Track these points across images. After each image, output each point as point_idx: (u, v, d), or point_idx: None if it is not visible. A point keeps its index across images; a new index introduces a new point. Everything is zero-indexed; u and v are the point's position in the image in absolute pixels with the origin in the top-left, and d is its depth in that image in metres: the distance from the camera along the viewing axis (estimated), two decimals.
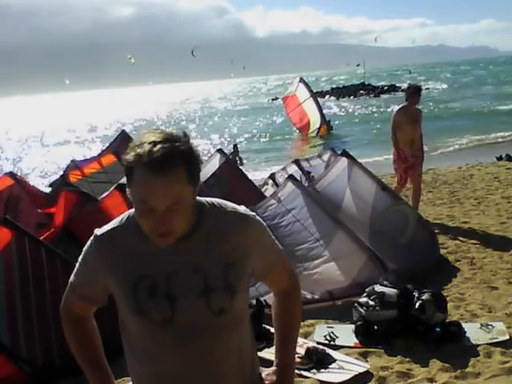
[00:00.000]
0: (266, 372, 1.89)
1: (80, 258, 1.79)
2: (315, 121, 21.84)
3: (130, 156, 1.52)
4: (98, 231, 1.74)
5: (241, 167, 18.23)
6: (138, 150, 1.50)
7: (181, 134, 1.57)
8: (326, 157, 7.97)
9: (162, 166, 1.48)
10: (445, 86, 58.02)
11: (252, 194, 7.16)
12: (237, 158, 18.54)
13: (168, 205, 1.52)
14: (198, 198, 1.66)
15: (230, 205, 1.75)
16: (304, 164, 8.10)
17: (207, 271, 1.64)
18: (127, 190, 1.58)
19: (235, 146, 19.49)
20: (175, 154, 1.50)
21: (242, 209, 1.76)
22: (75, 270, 1.82)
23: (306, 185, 7.01)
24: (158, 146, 1.49)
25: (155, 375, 1.72)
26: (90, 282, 1.78)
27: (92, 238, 1.75)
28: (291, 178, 6.24)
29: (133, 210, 1.66)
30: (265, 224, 1.82)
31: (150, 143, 1.50)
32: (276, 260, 1.84)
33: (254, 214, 1.77)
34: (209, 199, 1.73)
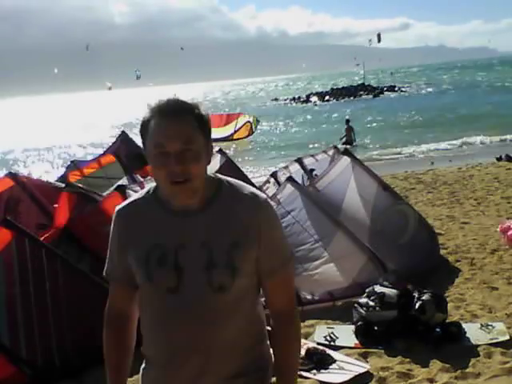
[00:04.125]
0: None
1: (109, 244, 1.85)
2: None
3: (146, 113, 1.66)
4: (117, 206, 1.83)
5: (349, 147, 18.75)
6: (154, 105, 1.66)
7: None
8: (331, 152, 7.99)
9: (174, 112, 1.63)
10: (430, 89, 57.38)
11: None
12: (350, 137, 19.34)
13: (181, 144, 1.60)
14: (218, 175, 1.77)
15: (249, 187, 1.79)
16: (310, 160, 8.08)
17: (214, 247, 1.67)
18: (144, 149, 1.70)
19: (347, 121, 20.01)
20: (186, 106, 1.65)
21: (260, 194, 1.78)
22: (107, 258, 1.86)
23: (308, 183, 7.03)
24: (171, 100, 1.66)
25: (157, 341, 1.75)
26: (119, 263, 1.81)
27: (113, 215, 1.82)
28: (290, 179, 6.24)
29: (154, 184, 1.76)
30: (277, 216, 1.81)
31: (164, 100, 1.66)
32: (281, 263, 1.78)
33: (270, 202, 1.78)
34: (230, 179, 1.79)
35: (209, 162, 1.71)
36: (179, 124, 1.62)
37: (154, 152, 1.63)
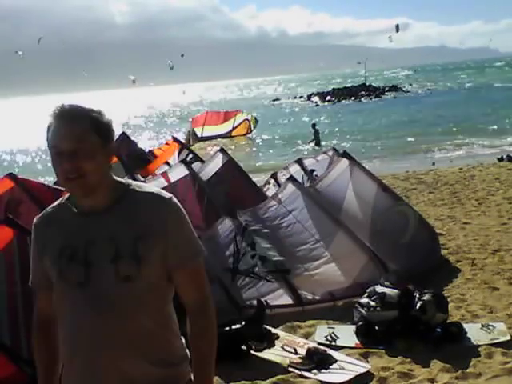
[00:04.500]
0: None
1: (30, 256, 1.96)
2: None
3: (48, 119, 1.77)
4: (35, 218, 1.95)
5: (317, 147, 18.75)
6: (52, 111, 1.77)
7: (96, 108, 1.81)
8: (330, 153, 8.02)
9: (68, 116, 1.74)
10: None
11: (253, 193, 7.17)
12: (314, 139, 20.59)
13: (72, 144, 1.71)
14: (123, 179, 1.89)
15: (154, 187, 1.92)
16: (310, 160, 8.11)
17: (120, 241, 1.78)
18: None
19: (314, 125, 21.39)
20: (81, 110, 1.76)
21: (166, 193, 1.88)
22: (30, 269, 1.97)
23: (308, 185, 7.03)
24: (67, 105, 1.78)
25: (70, 337, 1.82)
26: (39, 270, 1.91)
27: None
28: (292, 179, 6.25)
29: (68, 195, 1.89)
30: (185, 213, 1.88)
31: (60, 105, 1.78)
32: (191, 257, 1.86)
33: (174, 199, 1.87)
34: (136, 182, 1.94)
35: (110, 166, 1.83)
36: (71, 125, 1.73)
37: (52, 153, 1.76)
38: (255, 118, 24.70)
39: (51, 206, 1.94)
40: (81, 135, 1.72)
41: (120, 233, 1.78)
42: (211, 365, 1.88)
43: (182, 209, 1.87)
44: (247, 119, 24.36)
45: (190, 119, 25.27)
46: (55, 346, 1.94)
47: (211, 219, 5.97)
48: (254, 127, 24.62)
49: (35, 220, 1.93)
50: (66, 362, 1.87)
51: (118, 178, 1.88)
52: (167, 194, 1.87)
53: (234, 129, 23.77)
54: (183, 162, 6.93)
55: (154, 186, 1.95)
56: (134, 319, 1.78)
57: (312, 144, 20.99)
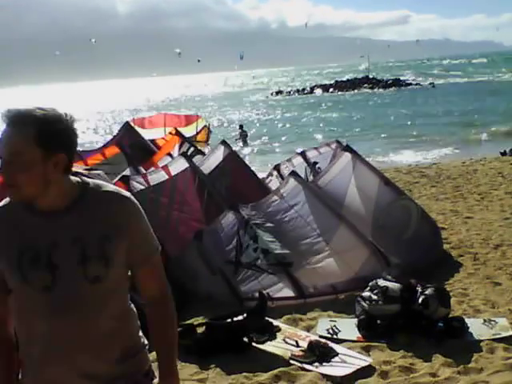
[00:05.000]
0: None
1: None
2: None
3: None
4: None
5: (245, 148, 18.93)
6: (1, 112, 1.71)
7: (57, 112, 1.72)
8: (334, 145, 7.99)
9: (12, 122, 1.67)
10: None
11: (255, 186, 7.15)
12: (241, 138, 21.63)
13: (7, 155, 1.68)
14: (84, 178, 1.85)
15: (112, 186, 1.90)
16: (313, 152, 8.08)
17: (85, 242, 1.75)
18: None
19: (241, 126, 22.64)
20: (27, 118, 1.67)
21: (125, 192, 1.89)
22: None
23: (311, 177, 7.01)
24: (13, 110, 1.70)
25: (33, 341, 1.79)
26: None
27: None
28: (293, 174, 6.24)
29: None
30: (142, 210, 1.88)
31: (7, 109, 1.70)
32: (151, 252, 1.89)
33: (132, 197, 1.87)
34: (94, 180, 1.87)
35: (66, 171, 1.75)
36: (12, 133, 1.67)
37: None
38: (209, 128, 24.44)
39: (2, 203, 1.84)
40: (17, 147, 1.66)
41: (84, 233, 1.75)
42: (176, 349, 1.97)
43: (141, 210, 1.88)
44: (206, 126, 23.94)
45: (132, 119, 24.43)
46: (8, 346, 1.90)
47: (212, 213, 5.96)
48: (208, 138, 24.22)
49: None
50: (27, 363, 1.84)
51: (75, 178, 1.82)
52: (126, 193, 1.87)
53: (197, 134, 23.20)
54: (183, 155, 6.88)
55: (111, 185, 1.92)
56: (98, 320, 1.78)
57: (240, 144, 21.59)
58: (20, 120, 1.67)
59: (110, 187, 1.86)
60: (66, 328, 1.74)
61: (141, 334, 1.95)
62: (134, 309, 1.94)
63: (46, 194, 1.73)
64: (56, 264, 1.73)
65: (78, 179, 1.82)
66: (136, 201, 1.87)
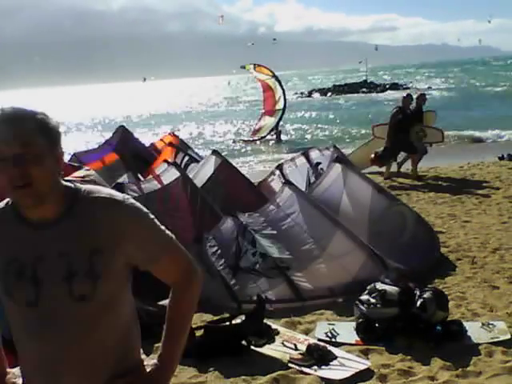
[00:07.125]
0: (146, 361, 1.85)
1: None
2: (267, 127, 22.71)
3: None
4: None
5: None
6: None
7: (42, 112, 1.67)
8: (331, 149, 8.03)
9: (12, 117, 1.60)
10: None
11: (249, 194, 7.13)
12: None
13: (18, 148, 1.57)
14: (76, 184, 1.74)
15: (105, 191, 1.76)
16: (316, 153, 8.08)
17: (72, 256, 1.65)
18: None
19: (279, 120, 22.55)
20: (24, 112, 1.62)
21: (117, 194, 1.76)
22: None
23: (313, 178, 7.04)
24: (7, 108, 1.63)
25: (23, 355, 1.75)
26: None
27: None
28: (288, 183, 6.29)
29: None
30: (145, 210, 1.77)
31: (0, 108, 1.64)
32: (161, 250, 1.79)
33: (130, 199, 1.75)
34: (86, 186, 1.76)
35: (60, 172, 1.69)
36: (14, 129, 1.59)
37: None
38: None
39: None
40: (27, 139, 1.58)
41: (72, 247, 1.65)
42: (186, 336, 1.86)
43: (143, 210, 1.77)
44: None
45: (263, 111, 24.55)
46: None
47: (206, 221, 5.97)
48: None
49: None
50: (26, 379, 1.80)
51: (67, 183, 1.73)
52: (120, 195, 1.76)
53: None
54: (174, 164, 6.84)
55: (105, 189, 1.79)
56: (87, 342, 1.68)
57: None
58: (19, 116, 1.61)
59: (103, 193, 1.74)
60: (53, 346, 1.66)
61: (139, 350, 1.85)
62: (137, 318, 1.85)
63: (50, 198, 1.65)
64: (41, 278, 1.65)
65: (70, 185, 1.73)
66: (133, 201, 1.76)
